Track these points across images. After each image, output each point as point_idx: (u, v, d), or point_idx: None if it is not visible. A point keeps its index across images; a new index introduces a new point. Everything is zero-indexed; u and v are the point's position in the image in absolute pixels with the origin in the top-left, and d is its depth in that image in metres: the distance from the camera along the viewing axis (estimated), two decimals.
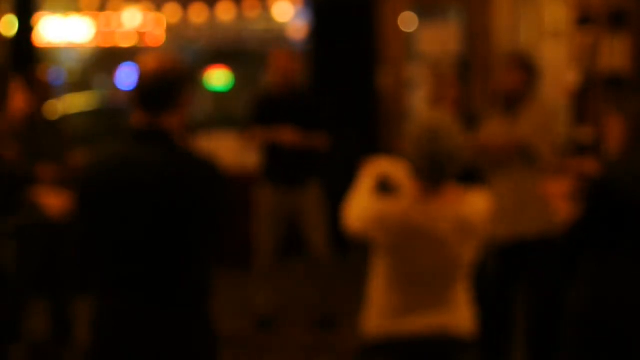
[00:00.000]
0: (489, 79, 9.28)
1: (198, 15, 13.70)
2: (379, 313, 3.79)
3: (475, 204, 3.77)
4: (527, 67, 5.67)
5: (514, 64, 5.66)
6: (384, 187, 3.97)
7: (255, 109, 7.03)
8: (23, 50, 9.08)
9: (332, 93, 7.52)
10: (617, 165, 3.91)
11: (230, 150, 9.17)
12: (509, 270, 5.62)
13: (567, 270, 4.22)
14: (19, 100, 4.94)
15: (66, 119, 12.06)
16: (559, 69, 8.11)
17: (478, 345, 3.90)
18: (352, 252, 8.53)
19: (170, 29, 14.49)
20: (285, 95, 6.94)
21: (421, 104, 9.45)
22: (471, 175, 5.80)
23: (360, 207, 3.83)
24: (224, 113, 15.44)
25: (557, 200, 4.09)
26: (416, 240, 3.69)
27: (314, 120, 6.91)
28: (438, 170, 3.70)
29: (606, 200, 3.80)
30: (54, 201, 3.81)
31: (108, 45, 14.68)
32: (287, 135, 6.78)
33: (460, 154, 3.72)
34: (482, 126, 5.80)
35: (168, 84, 3.24)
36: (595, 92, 7.40)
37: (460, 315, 3.78)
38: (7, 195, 4.18)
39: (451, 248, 3.71)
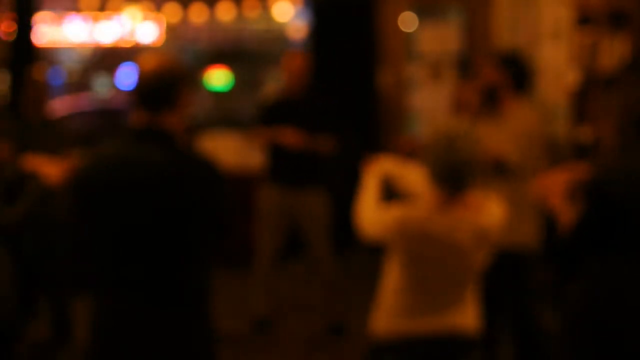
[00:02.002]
0: None
1: (198, 15, 13.70)
2: (389, 313, 3.80)
3: (492, 213, 3.78)
4: (508, 64, 5.42)
5: (491, 59, 5.46)
6: (390, 192, 3.97)
7: (264, 110, 7.01)
8: (23, 50, 9.08)
9: (332, 93, 7.50)
10: (609, 164, 3.89)
11: (230, 150, 9.17)
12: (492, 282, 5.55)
13: (568, 273, 4.20)
14: None
15: (66, 119, 12.07)
16: (559, 69, 8.11)
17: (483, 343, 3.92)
18: (351, 254, 8.53)
19: (170, 29, 14.50)
20: (296, 97, 6.90)
21: (422, 104, 9.47)
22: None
23: (374, 211, 3.83)
24: (224, 113, 15.45)
25: (555, 200, 4.06)
26: (434, 247, 3.70)
27: (321, 123, 6.88)
28: (458, 179, 3.69)
29: (600, 201, 3.78)
30: (51, 169, 3.75)
31: (108, 45, 14.69)
32: (289, 137, 6.75)
33: (479, 162, 3.72)
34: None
35: (167, 83, 3.24)
36: (595, 92, 7.40)
37: (467, 314, 3.81)
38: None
39: (467, 256, 3.73)
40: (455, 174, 3.68)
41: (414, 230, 3.69)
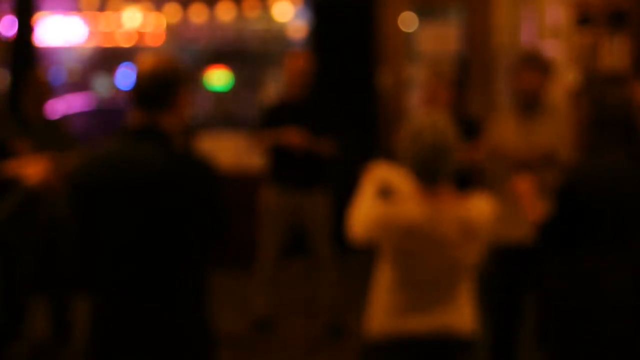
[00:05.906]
0: (489, 79, 9.28)
1: (198, 15, 13.72)
2: (382, 313, 3.80)
3: (479, 207, 3.78)
4: (544, 68, 5.61)
5: (534, 64, 5.60)
6: (386, 194, 3.98)
7: (266, 113, 6.98)
8: (23, 50, 9.08)
9: (332, 93, 7.50)
10: (578, 166, 3.97)
11: (230, 150, 9.17)
12: (519, 274, 5.59)
13: (538, 271, 4.27)
14: None
15: (66, 119, 12.07)
16: (559, 69, 8.11)
17: (480, 344, 3.92)
18: (352, 255, 8.53)
19: (170, 29, 14.51)
20: (298, 99, 6.87)
21: (419, 104, 9.46)
22: (467, 180, 5.79)
23: (363, 213, 3.83)
24: (224, 113, 15.45)
25: (526, 199, 4.14)
26: (421, 242, 3.70)
27: (324, 125, 6.85)
28: (432, 168, 3.70)
29: (572, 202, 3.85)
30: (31, 170, 3.71)
31: (108, 45, 14.70)
32: (293, 138, 6.73)
33: (453, 152, 3.73)
34: (494, 129, 5.77)
35: (165, 83, 3.25)
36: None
37: (462, 314, 3.80)
38: None
39: (454, 250, 3.72)
40: (429, 164, 3.70)
41: (398, 225, 3.70)
